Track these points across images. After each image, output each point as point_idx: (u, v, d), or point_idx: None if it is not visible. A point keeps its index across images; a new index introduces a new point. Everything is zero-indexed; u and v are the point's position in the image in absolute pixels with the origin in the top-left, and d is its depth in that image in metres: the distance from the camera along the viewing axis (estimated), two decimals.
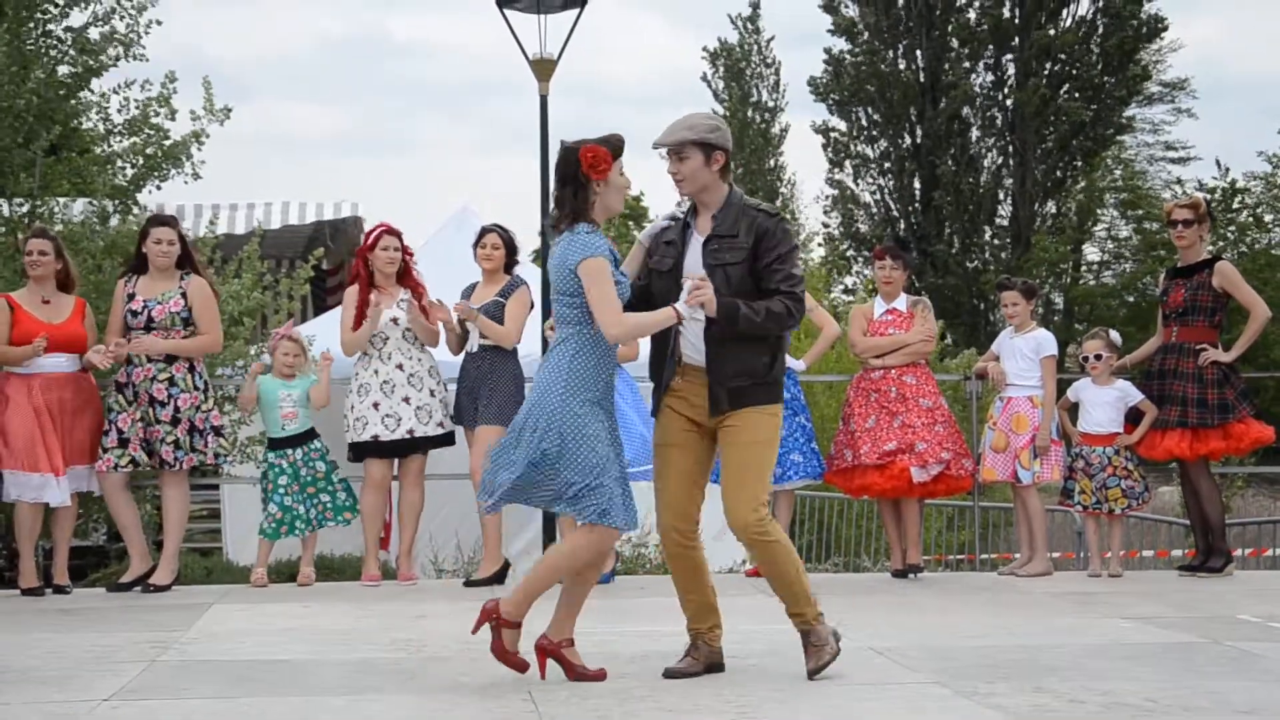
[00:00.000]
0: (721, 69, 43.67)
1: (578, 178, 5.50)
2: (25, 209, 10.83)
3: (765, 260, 5.62)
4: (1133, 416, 8.99)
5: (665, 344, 5.73)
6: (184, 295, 8.55)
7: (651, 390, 5.87)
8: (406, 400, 8.72)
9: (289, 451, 8.75)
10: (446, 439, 8.88)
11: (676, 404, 5.74)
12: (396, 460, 8.88)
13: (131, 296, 8.55)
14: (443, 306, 8.86)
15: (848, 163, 39.30)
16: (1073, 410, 9.20)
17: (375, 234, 8.89)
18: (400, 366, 8.76)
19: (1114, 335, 9.26)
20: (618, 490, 5.53)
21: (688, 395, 5.72)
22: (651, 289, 5.80)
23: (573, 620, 5.73)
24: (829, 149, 39.28)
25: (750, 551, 5.77)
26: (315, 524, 8.80)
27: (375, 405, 8.70)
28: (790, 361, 8.98)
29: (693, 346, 5.68)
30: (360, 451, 8.80)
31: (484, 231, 9.05)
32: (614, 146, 5.54)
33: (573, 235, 5.49)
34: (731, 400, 5.61)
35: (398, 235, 8.91)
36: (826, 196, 39.92)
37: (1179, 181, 36.72)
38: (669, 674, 5.71)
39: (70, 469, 8.39)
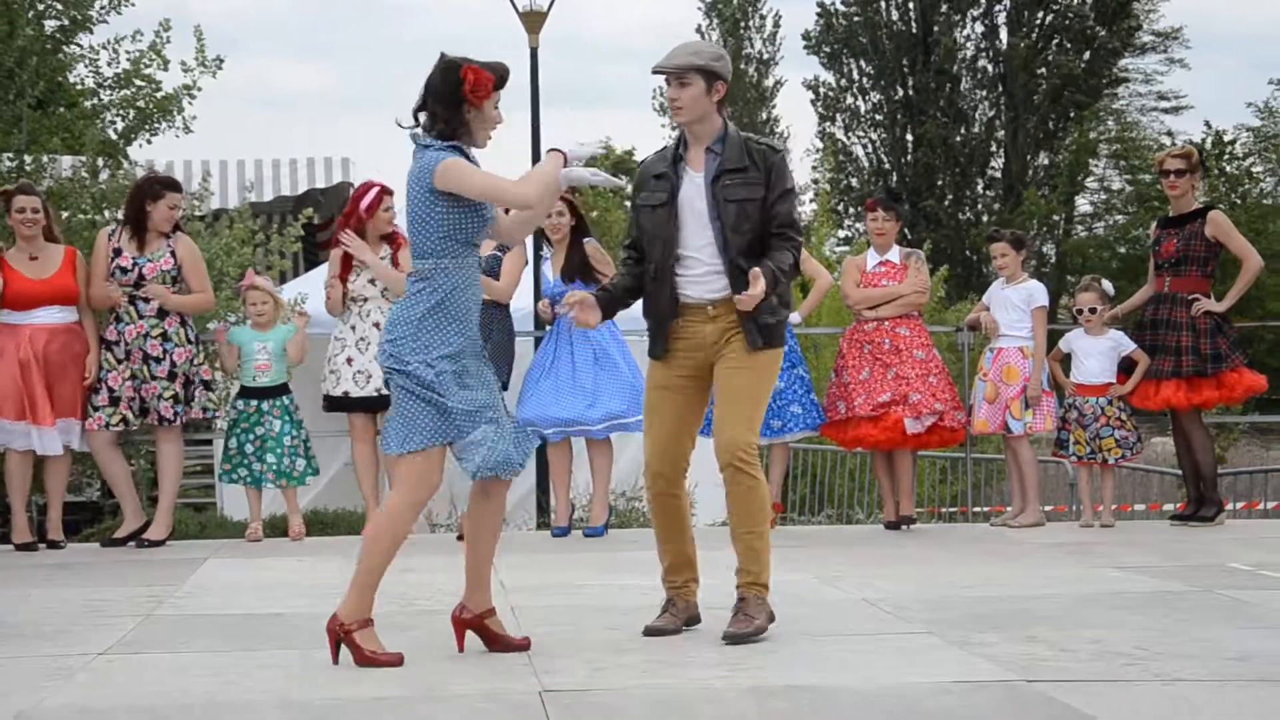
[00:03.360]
0: (716, 21, 43.48)
1: (455, 97, 5.13)
2: (14, 164, 10.79)
3: (770, 198, 5.55)
4: (1125, 366, 9.00)
5: (663, 286, 5.60)
6: (173, 254, 8.53)
7: (649, 331, 5.74)
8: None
9: (253, 402, 8.73)
10: None
11: (675, 345, 5.63)
12: (379, 415, 8.87)
13: (118, 252, 8.52)
14: None
15: (839, 116, 39.22)
16: (1065, 361, 9.21)
17: (375, 195, 8.77)
18: (378, 325, 8.73)
19: (1107, 285, 9.25)
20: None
21: (686, 334, 5.61)
22: (641, 224, 5.65)
23: (487, 588, 5.43)
24: (819, 103, 39.17)
25: (727, 485, 5.61)
26: (257, 481, 8.75)
27: (349, 361, 8.69)
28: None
29: (694, 287, 5.58)
30: (333, 404, 8.80)
31: None
32: (499, 75, 5.18)
33: (424, 151, 5.16)
34: (764, 335, 5.54)
35: (392, 194, 8.88)
36: (817, 150, 39.84)
37: (1170, 134, 36.68)
38: (649, 631, 5.61)
39: (60, 421, 8.38)
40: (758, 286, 5.37)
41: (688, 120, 5.59)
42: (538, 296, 10.20)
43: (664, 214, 5.58)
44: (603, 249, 8.90)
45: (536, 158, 13.74)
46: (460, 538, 8.83)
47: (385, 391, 8.65)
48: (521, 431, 5.30)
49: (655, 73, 5.64)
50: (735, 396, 5.55)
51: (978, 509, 12.86)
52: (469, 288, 5.20)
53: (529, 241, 9.71)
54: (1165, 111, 39.11)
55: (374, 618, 5.18)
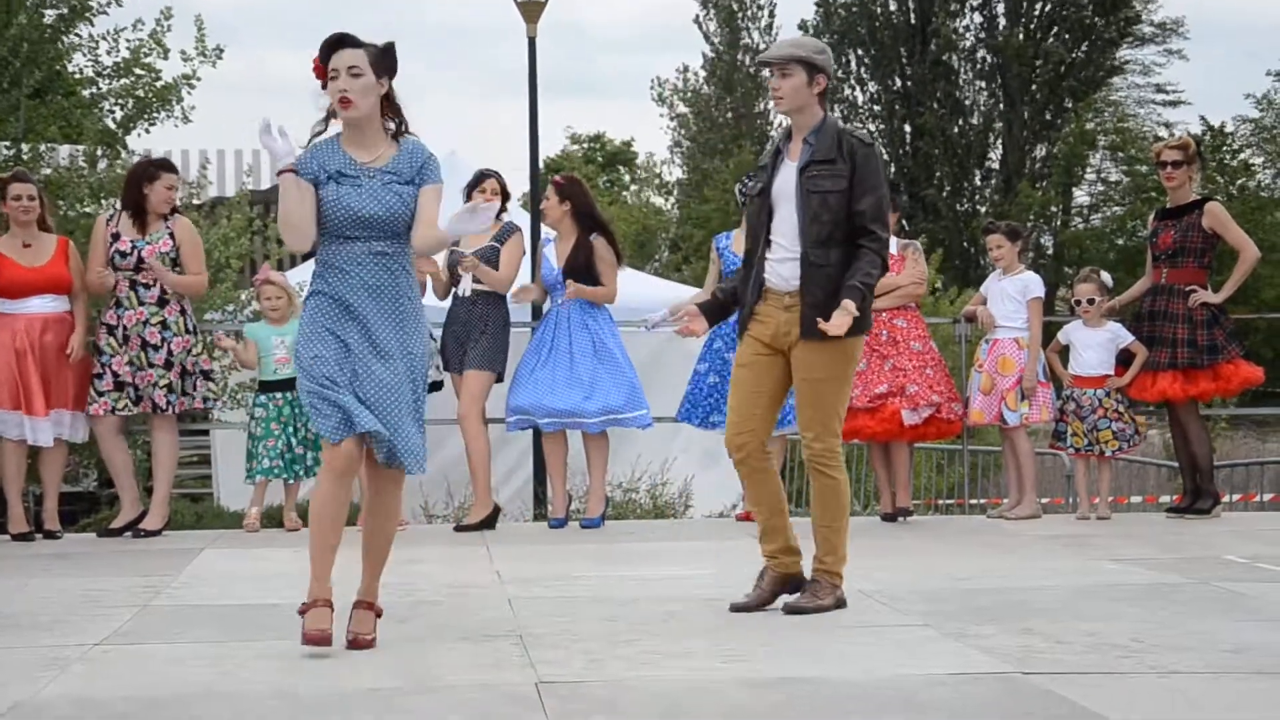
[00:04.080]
0: (713, 11, 43.39)
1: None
2: (11, 153, 10.78)
3: (856, 193, 5.71)
4: (1123, 358, 9.00)
5: (752, 270, 5.86)
6: (171, 235, 8.52)
7: (739, 314, 5.95)
8: None
9: (277, 395, 8.72)
10: (430, 387, 8.82)
11: (754, 328, 5.86)
12: None
13: (117, 236, 8.51)
14: (429, 260, 8.81)
15: (836, 107, 39.16)
16: (1064, 352, 9.21)
17: None
18: None
19: (1105, 277, 9.25)
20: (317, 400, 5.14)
21: (764, 318, 5.83)
22: (747, 212, 5.92)
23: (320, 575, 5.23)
24: None
25: (811, 482, 5.92)
26: (299, 475, 8.76)
27: None
28: None
29: (776, 274, 5.78)
30: None
31: (483, 176, 8.90)
32: (320, 49, 5.19)
33: None
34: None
35: None
36: None
37: (1168, 125, 36.67)
38: (733, 607, 5.83)
39: (54, 412, 8.38)
40: (842, 320, 5.58)
41: (787, 109, 5.83)
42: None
43: (760, 203, 5.87)
44: (612, 252, 8.84)
45: (535, 146, 13.77)
46: (457, 529, 8.84)
47: None
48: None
49: (760, 64, 5.88)
50: (811, 403, 5.80)
51: (974, 501, 12.88)
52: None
53: (526, 230, 9.71)
54: (1163, 104, 39.10)
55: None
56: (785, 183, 5.81)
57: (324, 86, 5.22)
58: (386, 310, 5.21)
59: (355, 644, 5.21)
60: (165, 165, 8.71)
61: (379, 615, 5.34)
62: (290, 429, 8.68)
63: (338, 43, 5.19)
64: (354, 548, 5.42)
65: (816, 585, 5.84)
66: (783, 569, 5.93)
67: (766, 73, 5.88)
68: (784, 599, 5.88)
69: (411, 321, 5.25)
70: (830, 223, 5.69)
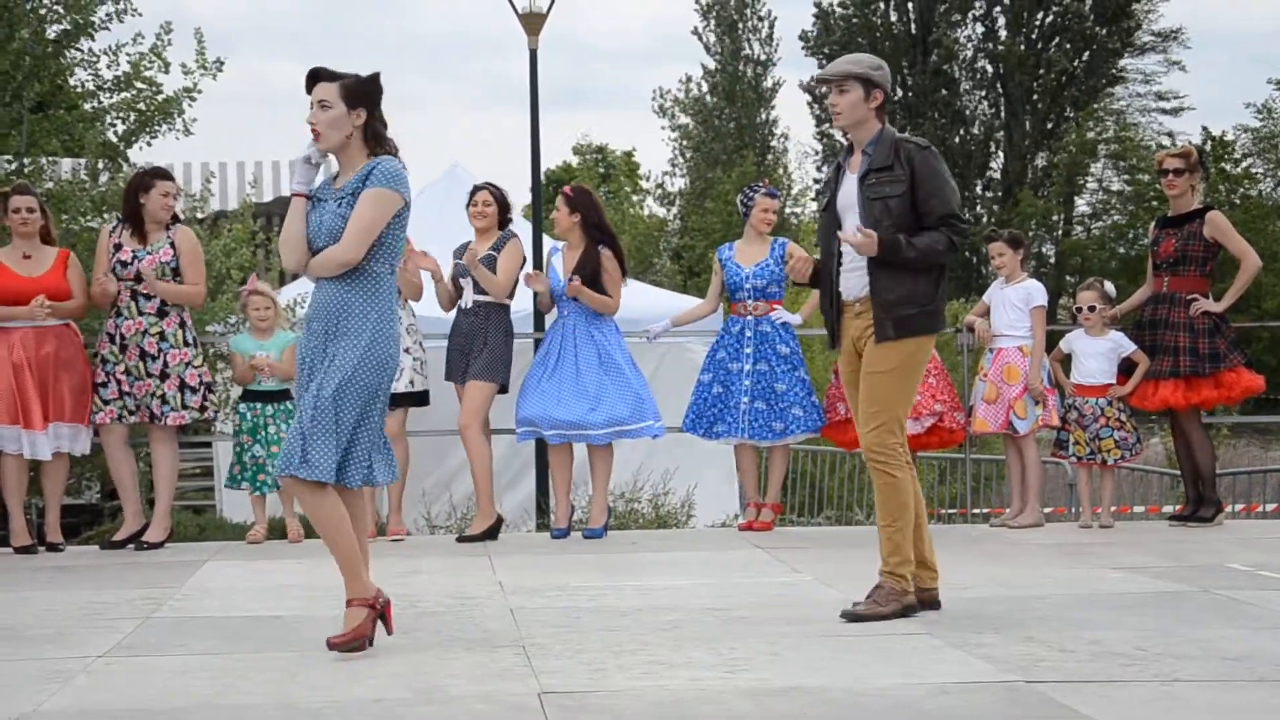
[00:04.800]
0: (713, 22, 43.45)
1: None
2: (13, 167, 10.79)
3: (919, 195, 5.84)
4: (1125, 367, 9.00)
5: (828, 283, 6.00)
6: (172, 245, 8.52)
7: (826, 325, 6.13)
8: None
9: (257, 405, 8.72)
10: (415, 398, 8.83)
11: (843, 342, 6.01)
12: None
13: (119, 247, 8.52)
14: (427, 255, 8.82)
15: None
16: (1066, 361, 9.21)
17: None
18: None
19: (1108, 286, 9.26)
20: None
21: (847, 331, 5.99)
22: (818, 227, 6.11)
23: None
24: (816, 105, 39.17)
25: (873, 481, 5.97)
26: (262, 487, 8.74)
27: None
28: (786, 315, 8.99)
29: (846, 284, 5.92)
30: None
31: (475, 189, 9.05)
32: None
33: None
34: (896, 328, 5.82)
35: None
36: (816, 152, 39.83)
37: (1170, 135, 36.68)
38: (844, 615, 5.84)
39: (53, 425, 8.37)
40: (861, 238, 5.72)
41: (845, 124, 5.97)
42: (536, 296, 10.17)
43: (827, 217, 6.04)
44: (617, 264, 8.85)
45: (537, 157, 13.78)
46: (460, 539, 8.84)
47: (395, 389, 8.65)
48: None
49: (819, 81, 5.98)
50: (868, 397, 5.89)
51: (977, 510, 12.87)
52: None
53: (527, 239, 9.71)
54: (1164, 112, 39.12)
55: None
56: (848, 194, 5.95)
57: None
58: (330, 328, 5.28)
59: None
60: (160, 173, 8.72)
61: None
62: (268, 439, 8.66)
63: (312, 76, 5.36)
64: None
65: (879, 591, 5.85)
66: (919, 583, 5.95)
67: (824, 89, 6.00)
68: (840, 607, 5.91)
69: (348, 334, 5.26)
70: (892, 227, 5.81)
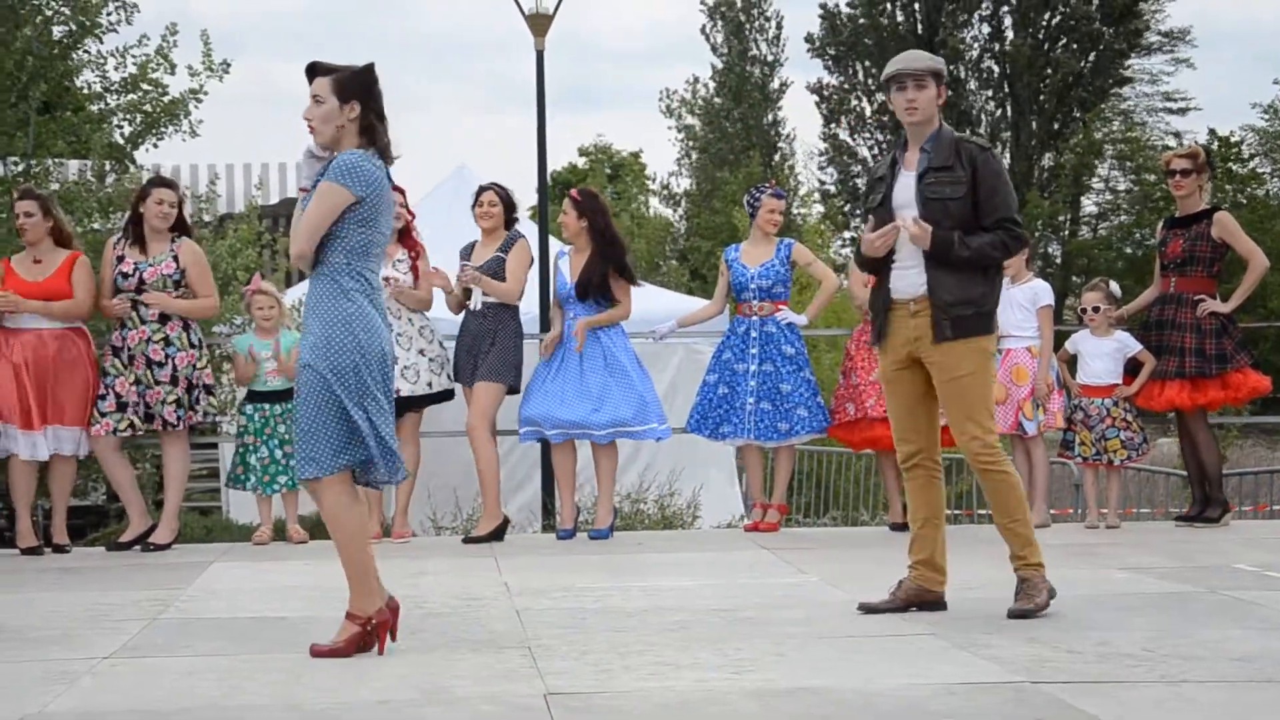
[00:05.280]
0: (720, 22, 43.42)
1: None
2: (20, 169, 10.80)
3: (979, 197, 5.82)
4: (1131, 368, 8.99)
5: (881, 281, 5.96)
6: (175, 258, 8.51)
7: (872, 325, 6.08)
8: (394, 360, 8.65)
9: (264, 406, 8.73)
10: (438, 397, 8.84)
11: (888, 341, 5.97)
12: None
13: (121, 259, 8.52)
14: (439, 273, 8.82)
15: (843, 118, 39.17)
16: (1071, 362, 9.20)
17: None
18: (389, 326, 8.71)
19: (1114, 287, 9.25)
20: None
21: (894, 330, 5.93)
22: (869, 224, 6.01)
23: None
24: (823, 105, 39.16)
25: (980, 482, 6.01)
26: (283, 487, 8.75)
27: None
28: (791, 316, 8.98)
29: (900, 283, 5.88)
30: None
31: (481, 190, 9.05)
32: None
33: None
34: (954, 328, 5.81)
35: (403, 193, 8.87)
36: (822, 153, 39.80)
37: (1177, 135, 36.62)
38: (863, 608, 5.91)
39: (52, 427, 8.37)
40: (916, 228, 5.72)
41: (920, 120, 5.91)
42: (544, 298, 10.18)
43: (881, 215, 5.96)
44: (622, 278, 8.85)
45: (543, 158, 13.77)
46: (465, 540, 8.84)
47: (404, 393, 8.64)
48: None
49: (898, 75, 5.90)
50: (958, 403, 5.88)
51: (982, 510, 12.85)
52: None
53: (534, 241, 9.71)
54: (1171, 112, 39.05)
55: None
56: (904, 192, 5.91)
57: None
58: (309, 323, 5.32)
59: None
60: (157, 181, 8.73)
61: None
62: (274, 440, 8.67)
63: (308, 70, 5.37)
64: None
65: (1028, 584, 5.90)
66: (922, 582, 6.00)
67: (895, 86, 5.90)
68: (925, 610, 5.95)
69: (310, 328, 5.28)
70: (951, 229, 5.78)
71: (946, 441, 9.16)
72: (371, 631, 5.33)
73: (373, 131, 5.36)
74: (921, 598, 6.00)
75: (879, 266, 5.99)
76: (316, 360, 5.25)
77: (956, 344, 5.83)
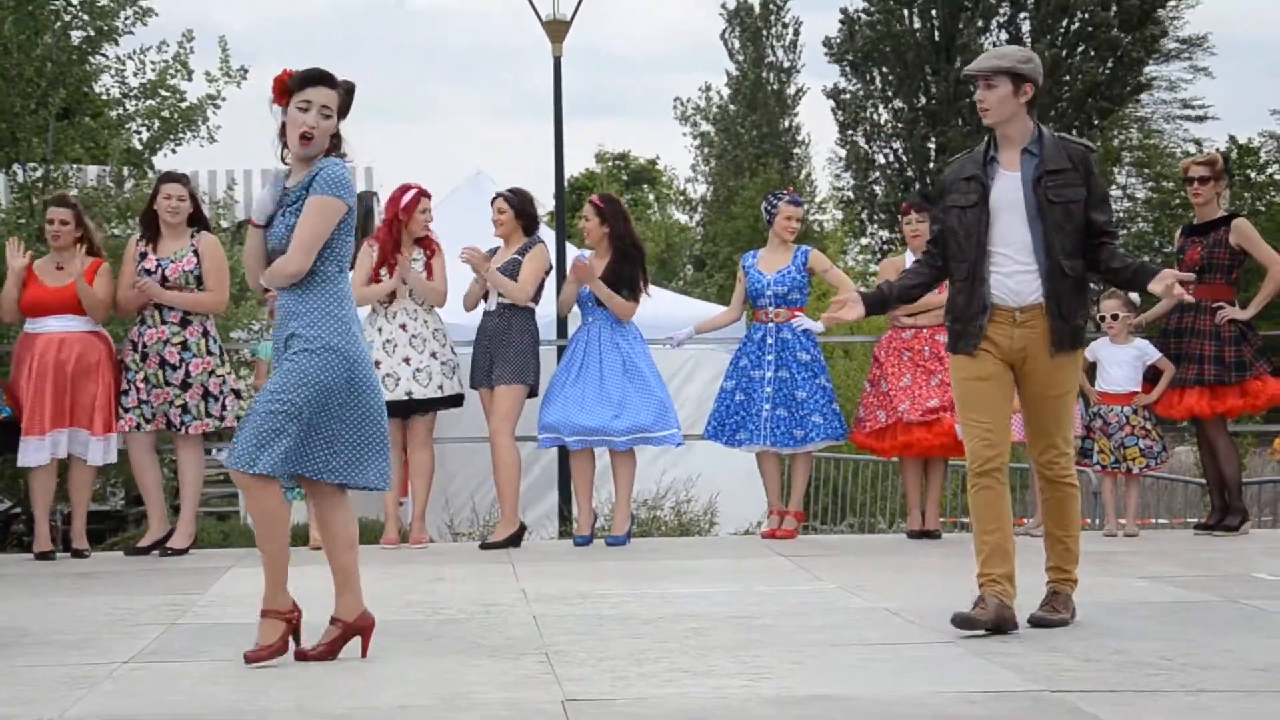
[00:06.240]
0: (738, 29, 43.43)
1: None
2: (39, 174, 10.85)
3: (1091, 201, 5.74)
4: (1151, 375, 8.97)
5: (976, 284, 5.74)
6: (196, 253, 8.54)
7: (952, 329, 5.86)
8: (406, 361, 8.68)
9: None
10: (449, 401, 8.83)
11: (987, 344, 5.75)
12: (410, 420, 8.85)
13: (144, 255, 8.55)
14: (478, 251, 8.79)
15: (860, 125, 39.12)
16: (1090, 370, 9.17)
17: (412, 196, 8.79)
18: (404, 326, 8.74)
19: (1132, 294, 9.22)
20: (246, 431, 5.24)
21: (992, 335, 5.73)
22: (950, 225, 5.80)
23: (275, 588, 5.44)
24: (840, 111, 39.13)
25: (1042, 493, 5.98)
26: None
27: (377, 364, 8.65)
28: (808, 322, 8.97)
29: (1004, 289, 5.71)
30: None
31: (494, 197, 9.10)
32: (296, 75, 5.32)
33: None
34: (1074, 340, 5.75)
35: (429, 197, 8.91)
36: (839, 159, 39.76)
37: (1197, 142, 36.54)
38: (956, 620, 5.63)
39: (70, 430, 8.39)
40: (1172, 281, 5.67)
41: (995, 120, 5.75)
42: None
43: (975, 214, 5.74)
44: (642, 276, 8.89)
45: (560, 167, 13.80)
46: (483, 546, 8.85)
47: (415, 395, 8.67)
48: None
49: (965, 76, 5.86)
50: (1055, 419, 5.83)
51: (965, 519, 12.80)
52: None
53: (551, 245, 9.73)
54: (1189, 119, 38.95)
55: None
56: (1009, 194, 5.71)
57: (280, 101, 5.31)
58: (289, 332, 5.29)
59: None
60: (167, 177, 8.76)
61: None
62: None
63: (320, 79, 5.31)
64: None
65: (1058, 598, 5.87)
66: (1007, 598, 5.73)
67: (972, 86, 5.82)
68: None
69: (302, 335, 5.25)
70: (1073, 232, 5.70)
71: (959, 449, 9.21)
72: (295, 623, 5.42)
73: (339, 142, 5.40)
74: (1007, 613, 5.71)
75: (979, 269, 5.73)
76: (318, 369, 5.23)
77: (1069, 358, 5.76)
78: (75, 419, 8.41)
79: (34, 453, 8.35)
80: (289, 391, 5.19)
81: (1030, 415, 5.89)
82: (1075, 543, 5.94)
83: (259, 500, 5.29)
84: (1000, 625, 5.65)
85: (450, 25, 73.07)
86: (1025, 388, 5.83)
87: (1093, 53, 37.43)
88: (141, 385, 8.44)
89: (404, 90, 72.02)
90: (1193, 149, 34.68)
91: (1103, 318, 9.10)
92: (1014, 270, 5.72)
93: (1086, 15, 37.16)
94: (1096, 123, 37.83)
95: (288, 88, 5.28)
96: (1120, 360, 8.99)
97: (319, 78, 5.31)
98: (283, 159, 5.42)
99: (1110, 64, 37.22)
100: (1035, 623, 5.78)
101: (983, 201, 5.74)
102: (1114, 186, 38.54)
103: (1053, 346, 5.72)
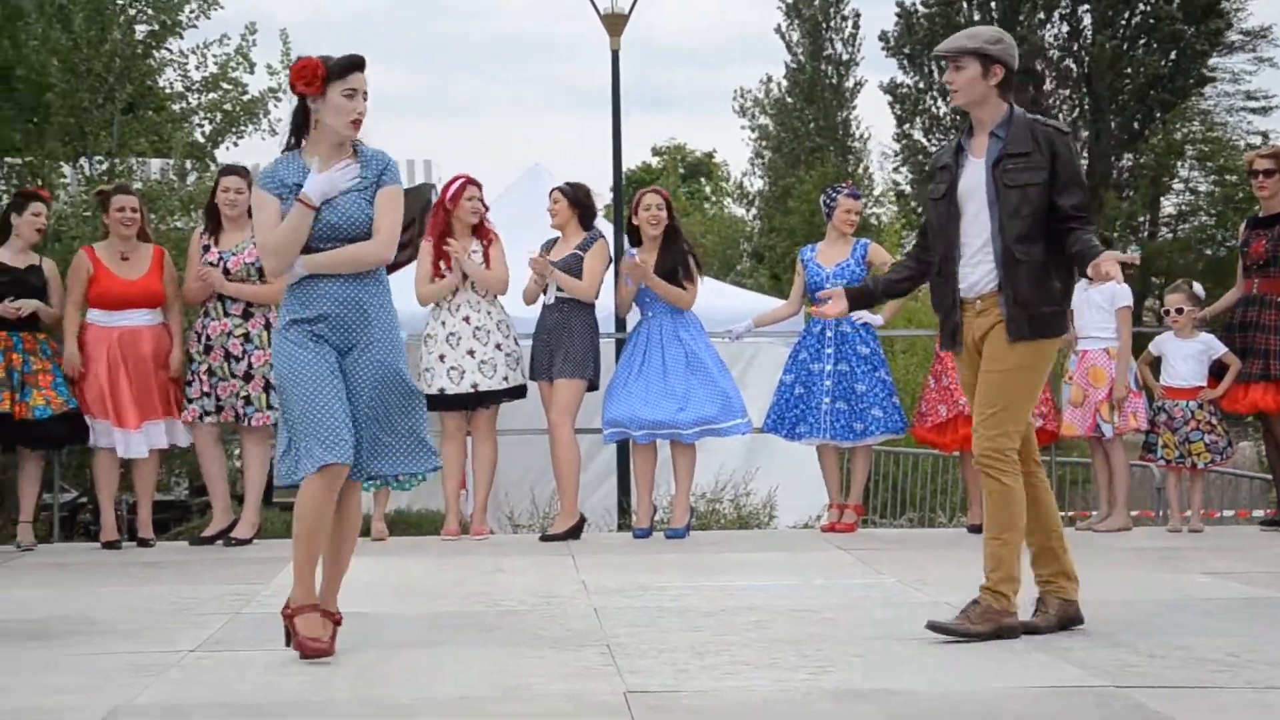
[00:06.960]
0: (796, 22, 43.27)
1: (297, 98, 5.27)
2: (105, 167, 10.96)
3: (1056, 186, 5.44)
4: (1216, 370, 8.89)
5: (947, 279, 5.58)
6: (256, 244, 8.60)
7: (941, 326, 5.75)
8: (471, 353, 8.71)
9: None
10: (514, 393, 8.86)
11: (965, 341, 5.59)
12: (476, 413, 8.88)
13: (207, 249, 8.63)
14: (545, 262, 8.84)
15: (918, 118, 38.91)
16: (1155, 364, 9.10)
17: (459, 185, 8.86)
18: (467, 319, 8.77)
19: (1196, 288, 9.16)
20: (300, 431, 5.20)
21: (968, 329, 5.56)
22: (928, 217, 5.73)
23: (307, 584, 5.37)
24: (897, 105, 38.95)
25: (982, 486, 5.56)
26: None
27: (441, 358, 8.69)
28: (867, 316, 8.95)
29: (965, 281, 5.52)
30: (429, 404, 8.83)
31: (551, 190, 9.15)
32: (335, 62, 5.21)
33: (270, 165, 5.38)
34: (1031, 326, 5.43)
35: (479, 186, 8.94)
36: (896, 153, 39.56)
37: (1264, 135, 36.09)
38: (930, 625, 5.43)
39: (149, 423, 8.49)
40: (1113, 266, 5.28)
41: (963, 103, 5.59)
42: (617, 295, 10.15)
43: (944, 206, 5.58)
44: (695, 267, 8.92)
45: (619, 160, 13.79)
46: (543, 538, 8.88)
47: (480, 388, 8.71)
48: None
49: (934, 57, 5.70)
50: (984, 397, 5.49)
51: (1062, 513, 12.73)
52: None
53: (610, 239, 9.74)
54: (1253, 111, 38.49)
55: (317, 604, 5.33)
56: (973, 181, 5.52)
57: (317, 90, 5.19)
58: (357, 322, 5.29)
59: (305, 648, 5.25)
60: (225, 170, 8.87)
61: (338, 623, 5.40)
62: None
63: (361, 64, 5.26)
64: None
65: (975, 607, 5.43)
66: (1064, 594, 5.59)
67: (942, 65, 5.61)
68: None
69: (378, 325, 5.31)
70: (1030, 216, 5.40)
71: (1040, 442, 9.18)
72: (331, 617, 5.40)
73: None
74: (1071, 610, 5.62)
75: (949, 264, 5.56)
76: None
77: (1025, 346, 5.43)
78: (166, 409, 8.54)
79: (128, 446, 8.45)
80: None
81: (976, 395, 5.57)
82: (1004, 548, 5.44)
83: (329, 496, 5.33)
84: (1065, 623, 5.59)
85: (509, 17, 73.26)
86: (980, 367, 5.55)
87: (1155, 45, 37.06)
88: (205, 377, 8.52)
89: (459, 84, 72.24)
90: (1257, 141, 34.28)
91: (1167, 311, 9.04)
92: (977, 261, 5.52)
93: (1149, 7, 36.80)
94: (1159, 116, 37.46)
95: (328, 75, 5.19)
96: (1185, 354, 8.91)
97: (360, 63, 5.26)
98: (294, 146, 5.32)
99: (1173, 56, 36.83)
100: (932, 626, 5.43)
101: (951, 192, 5.56)
102: (1176, 180, 38.17)
103: (1009, 335, 5.43)
